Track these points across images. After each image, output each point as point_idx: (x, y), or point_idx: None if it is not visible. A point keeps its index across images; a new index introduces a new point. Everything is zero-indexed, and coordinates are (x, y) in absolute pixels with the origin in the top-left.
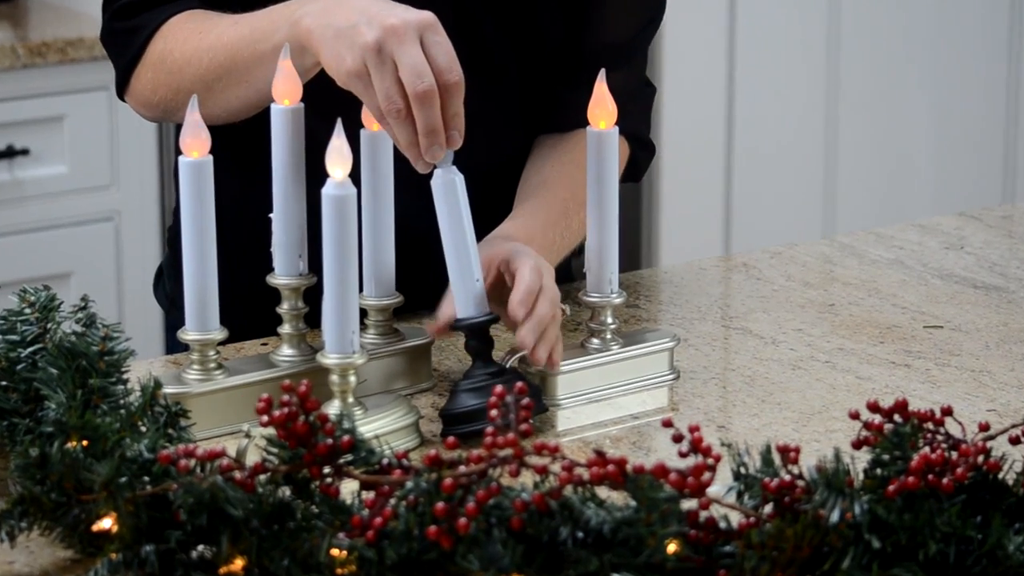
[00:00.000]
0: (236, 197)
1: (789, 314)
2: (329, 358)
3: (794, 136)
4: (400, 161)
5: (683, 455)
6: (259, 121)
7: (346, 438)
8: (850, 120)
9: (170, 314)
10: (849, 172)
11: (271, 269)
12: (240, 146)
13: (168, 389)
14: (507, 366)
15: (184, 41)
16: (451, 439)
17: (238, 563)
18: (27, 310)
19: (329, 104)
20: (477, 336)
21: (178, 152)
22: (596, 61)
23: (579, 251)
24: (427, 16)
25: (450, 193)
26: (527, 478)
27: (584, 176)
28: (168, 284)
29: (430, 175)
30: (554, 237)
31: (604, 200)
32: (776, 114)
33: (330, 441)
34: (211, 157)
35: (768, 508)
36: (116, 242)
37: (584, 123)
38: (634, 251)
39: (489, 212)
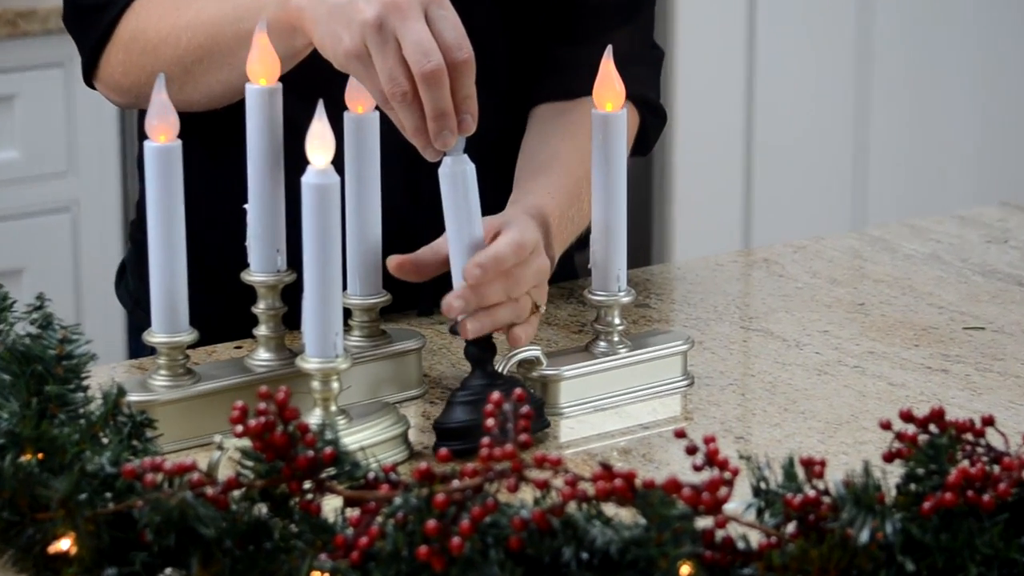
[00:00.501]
0: (207, 186)
1: (814, 314)
2: (310, 363)
3: (821, 119)
4: (389, 146)
5: (697, 469)
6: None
7: (328, 450)
8: (883, 102)
9: (134, 314)
10: (881, 158)
11: (246, 265)
12: (212, 130)
13: (132, 396)
14: (503, 371)
15: (159, 19)
16: (444, 451)
17: None
18: None
19: (309, 84)
20: (478, 342)
21: (143, 136)
22: (597, 19)
23: (583, 245)
24: None
25: (459, 184)
26: (527, 494)
27: (583, 165)
28: (132, 282)
29: (422, 162)
30: (567, 224)
31: (611, 189)
32: (802, 95)
33: (311, 453)
34: (180, 142)
35: (791, 527)
36: (73, 235)
37: (589, 89)
38: (644, 245)
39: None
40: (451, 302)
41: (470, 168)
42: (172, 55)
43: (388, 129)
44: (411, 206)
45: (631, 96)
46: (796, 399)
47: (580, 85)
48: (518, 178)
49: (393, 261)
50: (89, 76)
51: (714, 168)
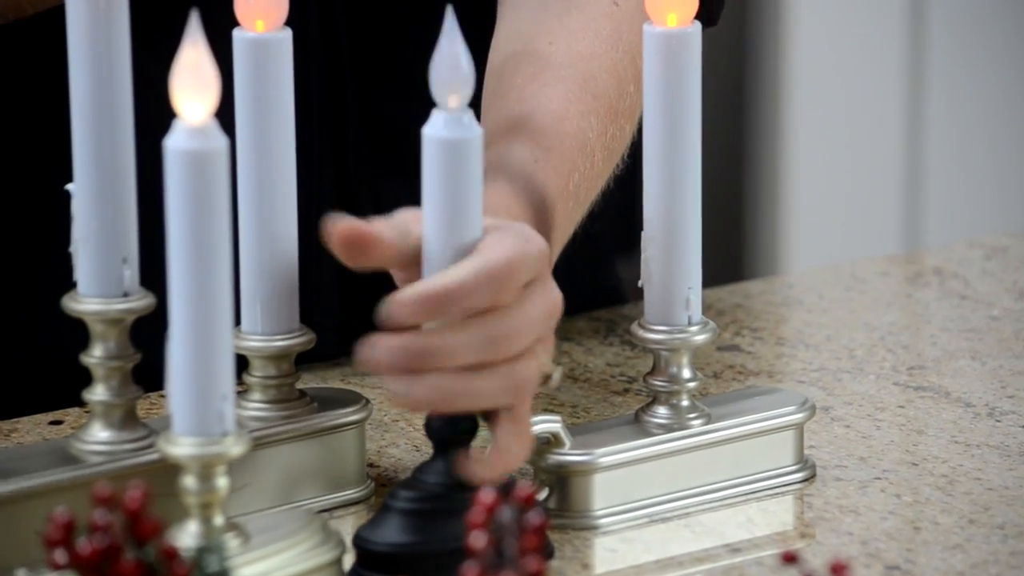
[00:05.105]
0: (5, 153)
1: (1023, 362)
2: (181, 445)
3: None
4: (310, 84)
5: None
6: (48, 18)
7: None
8: None
9: None
10: None
11: (71, 284)
12: (13, 57)
13: None
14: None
15: None
16: None
17: None
18: None
19: (165, 19)
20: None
21: None
22: None
23: (627, 246)
24: None
25: (456, 158)
26: None
27: (600, 73)
28: None
29: (381, 115)
30: (570, 215)
31: (679, 156)
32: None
33: None
34: None
35: None
36: None
37: None
38: (734, 247)
39: None
40: (369, 354)
41: (475, 134)
42: None
43: (308, 62)
44: (349, 183)
45: None
46: (990, 504)
47: None
48: (489, 128)
49: (341, 226)
50: None
51: (854, 128)
